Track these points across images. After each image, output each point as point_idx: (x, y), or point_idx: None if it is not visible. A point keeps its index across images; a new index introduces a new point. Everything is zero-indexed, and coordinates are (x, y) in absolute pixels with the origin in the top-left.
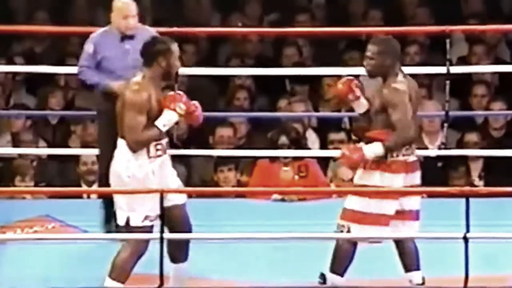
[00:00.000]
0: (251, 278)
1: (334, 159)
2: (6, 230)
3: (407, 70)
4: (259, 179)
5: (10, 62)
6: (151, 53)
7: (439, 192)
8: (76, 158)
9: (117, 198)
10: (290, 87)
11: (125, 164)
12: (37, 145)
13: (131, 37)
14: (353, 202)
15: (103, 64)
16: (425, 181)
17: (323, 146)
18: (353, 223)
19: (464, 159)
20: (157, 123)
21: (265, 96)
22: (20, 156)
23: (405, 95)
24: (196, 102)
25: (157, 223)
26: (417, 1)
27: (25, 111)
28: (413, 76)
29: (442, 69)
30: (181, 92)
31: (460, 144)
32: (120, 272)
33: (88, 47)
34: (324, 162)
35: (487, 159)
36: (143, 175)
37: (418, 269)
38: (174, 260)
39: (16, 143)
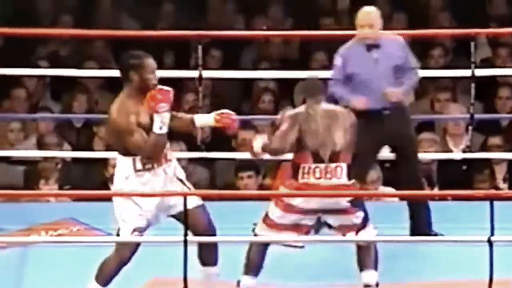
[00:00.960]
0: (279, 281)
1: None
2: (30, 232)
3: (432, 73)
4: (283, 182)
5: (35, 65)
6: (124, 68)
7: (464, 195)
8: (100, 161)
9: (115, 208)
10: None
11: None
12: (62, 148)
13: (377, 46)
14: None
15: (353, 76)
16: (450, 184)
17: None
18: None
19: (489, 162)
20: (153, 130)
21: (288, 99)
22: (45, 159)
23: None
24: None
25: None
26: (441, 4)
27: (50, 114)
28: (437, 79)
29: (466, 72)
30: (157, 89)
31: (484, 147)
32: (105, 277)
33: (337, 60)
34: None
35: (511, 162)
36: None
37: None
38: (204, 263)
39: (41, 146)
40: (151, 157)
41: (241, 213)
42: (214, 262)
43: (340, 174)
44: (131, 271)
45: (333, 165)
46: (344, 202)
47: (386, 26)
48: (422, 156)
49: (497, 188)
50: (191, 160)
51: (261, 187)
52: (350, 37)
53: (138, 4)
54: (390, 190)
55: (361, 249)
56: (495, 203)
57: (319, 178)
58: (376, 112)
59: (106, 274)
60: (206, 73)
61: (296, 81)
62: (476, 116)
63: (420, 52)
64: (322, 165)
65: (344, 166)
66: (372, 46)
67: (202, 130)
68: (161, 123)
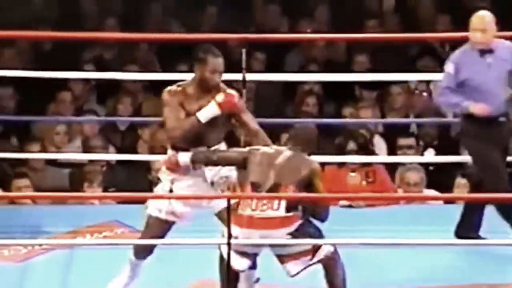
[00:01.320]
0: (320, 285)
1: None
2: (76, 235)
3: None
4: (326, 185)
5: (81, 69)
6: (194, 58)
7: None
8: (144, 163)
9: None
10: (358, 93)
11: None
12: (107, 150)
13: (490, 51)
14: None
15: (466, 82)
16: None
17: (391, 151)
18: None
19: None
20: (198, 114)
21: (332, 102)
22: (90, 161)
23: None
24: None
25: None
26: (488, 5)
27: (96, 117)
28: None
29: None
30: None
31: None
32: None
33: (449, 67)
34: (392, 168)
35: None
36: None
37: None
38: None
39: (86, 148)
40: (174, 138)
41: None
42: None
43: (276, 206)
44: (176, 273)
45: None
46: (284, 236)
47: (431, 28)
48: (468, 159)
49: None
50: None
51: None
52: (395, 39)
53: (182, 7)
54: (433, 193)
55: (329, 271)
56: None
57: (254, 210)
58: (494, 119)
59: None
60: (250, 76)
61: (341, 84)
62: None
63: None
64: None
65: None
66: (485, 51)
67: None
68: (207, 116)
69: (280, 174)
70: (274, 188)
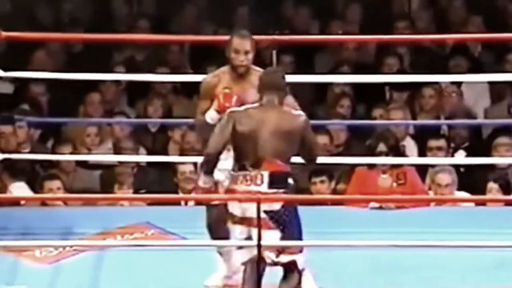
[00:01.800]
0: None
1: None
2: (107, 236)
3: (508, 77)
4: (357, 187)
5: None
6: None
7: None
8: (175, 165)
9: None
10: (389, 95)
11: None
12: (137, 152)
13: None
14: None
15: None
16: None
17: (422, 153)
18: None
19: None
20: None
21: (362, 104)
22: (121, 163)
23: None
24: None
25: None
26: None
27: (126, 119)
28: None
29: None
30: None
31: None
32: None
33: None
34: (423, 170)
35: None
36: None
37: None
38: None
39: (117, 150)
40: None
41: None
42: None
43: (259, 181)
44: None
45: (253, 172)
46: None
47: (463, 29)
48: (499, 160)
49: None
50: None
51: (334, 192)
52: (426, 40)
53: (214, 8)
54: (464, 194)
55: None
56: None
57: (241, 183)
58: None
59: None
60: None
61: (371, 85)
62: None
63: (496, 56)
64: (244, 172)
65: (265, 174)
66: None
67: None
68: (213, 118)
69: (266, 146)
70: (257, 162)
